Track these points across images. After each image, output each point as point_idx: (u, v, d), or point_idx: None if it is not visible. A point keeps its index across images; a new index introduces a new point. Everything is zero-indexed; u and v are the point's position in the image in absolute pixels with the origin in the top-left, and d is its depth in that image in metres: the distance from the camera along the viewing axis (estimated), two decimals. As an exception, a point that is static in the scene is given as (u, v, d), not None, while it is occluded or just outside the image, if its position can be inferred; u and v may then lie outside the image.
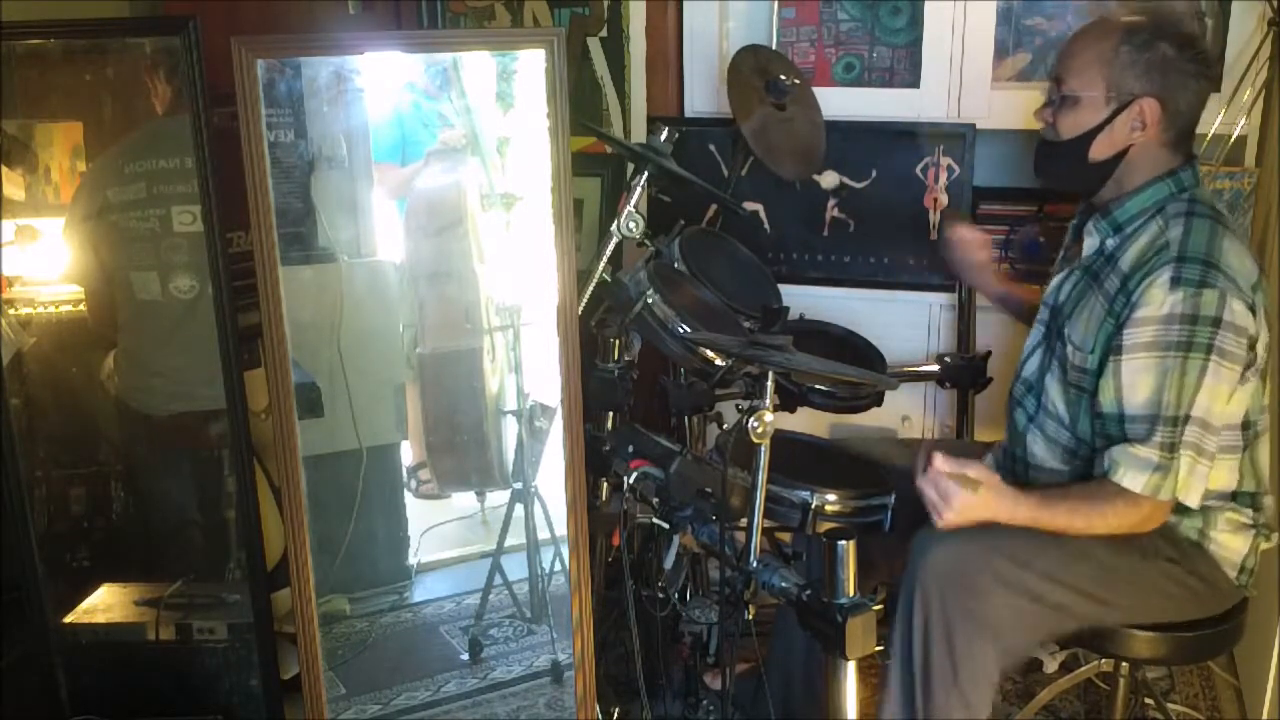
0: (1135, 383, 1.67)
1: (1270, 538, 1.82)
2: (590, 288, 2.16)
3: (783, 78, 2.42)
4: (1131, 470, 1.66)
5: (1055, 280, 1.89)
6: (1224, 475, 1.74)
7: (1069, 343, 1.79)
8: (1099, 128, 1.75)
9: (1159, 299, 1.64)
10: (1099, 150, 1.76)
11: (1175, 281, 1.64)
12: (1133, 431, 1.68)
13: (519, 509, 2.70)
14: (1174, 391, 1.64)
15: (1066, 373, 1.81)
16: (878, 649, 1.56)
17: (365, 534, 2.79)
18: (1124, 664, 1.98)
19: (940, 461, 1.65)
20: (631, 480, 1.82)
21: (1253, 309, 1.65)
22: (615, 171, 2.86)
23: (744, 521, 1.68)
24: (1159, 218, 1.73)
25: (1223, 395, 1.65)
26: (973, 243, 2.21)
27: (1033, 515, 1.68)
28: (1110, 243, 1.79)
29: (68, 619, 2.34)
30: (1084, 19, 1.82)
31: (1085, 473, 1.80)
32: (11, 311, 2.42)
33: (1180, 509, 1.75)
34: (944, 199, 2.57)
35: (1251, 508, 1.79)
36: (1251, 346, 1.66)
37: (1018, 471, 1.91)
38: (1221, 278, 1.63)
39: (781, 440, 1.66)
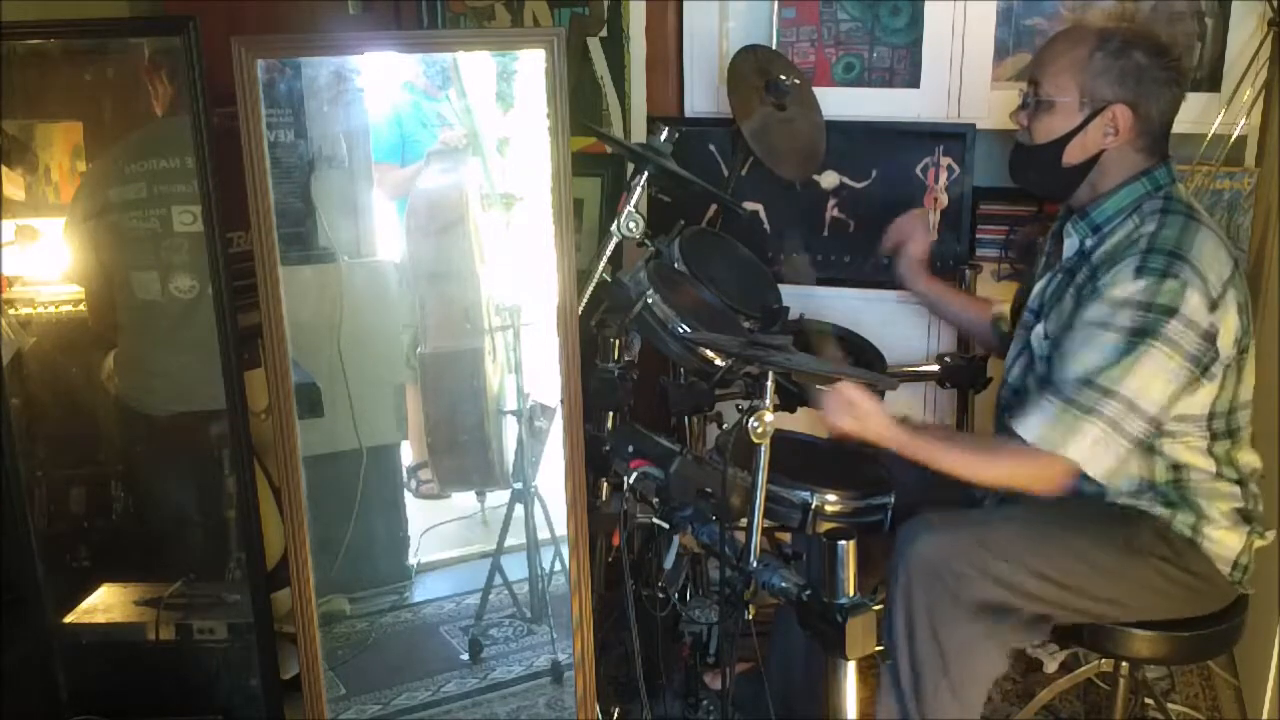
0: (1073, 351, 1.69)
1: (1265, 535, 1.82)
2: (590, 288, 2.16)
3: (783, 78, 2.42)
4: (1031, 418, 1.69)
5: (1038, 286, 1.91)
6: (1195, 458, 1.75)
7: (1045, 339, 1.81)
8: (1072, 133, 1.77)
9: (1120, 284, 1.66)
10: (1072, 155, 1.79)
11: (1139, 270, 1.66)
12: (1051, 389, 1.70)
13: (519, 509, 2.70)
14: (1104, 364, 1.65)
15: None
16: (878, 649, 1.57)
17: (365, 534, 2.79)
18: (1124, 664, 1.98)
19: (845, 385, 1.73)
20: (631, 480, 1.82)
21: (1216, 304, 1.65)
22: (615, 171, 2.85)
23: (744, 521, 1.68)
24: (1135, 216, 1.76)
25: (1159, 382, 1.65)
26: (913, 229, 2.26)
27: (921, 447, 1.73)
28: (1089, 243, 1.81)
29: (68, 619, 2.35)
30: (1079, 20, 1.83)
31: None
32: (11, 311, 2.42)
33: (1171, 504, 1.76)
34: (944, 199, 2.57)
35: (1239, 484, 1.80)
36: (1210, 341, 1.66)
37: None
38: (1187, 269, 1.64)
39: (781, 440, 1.67)
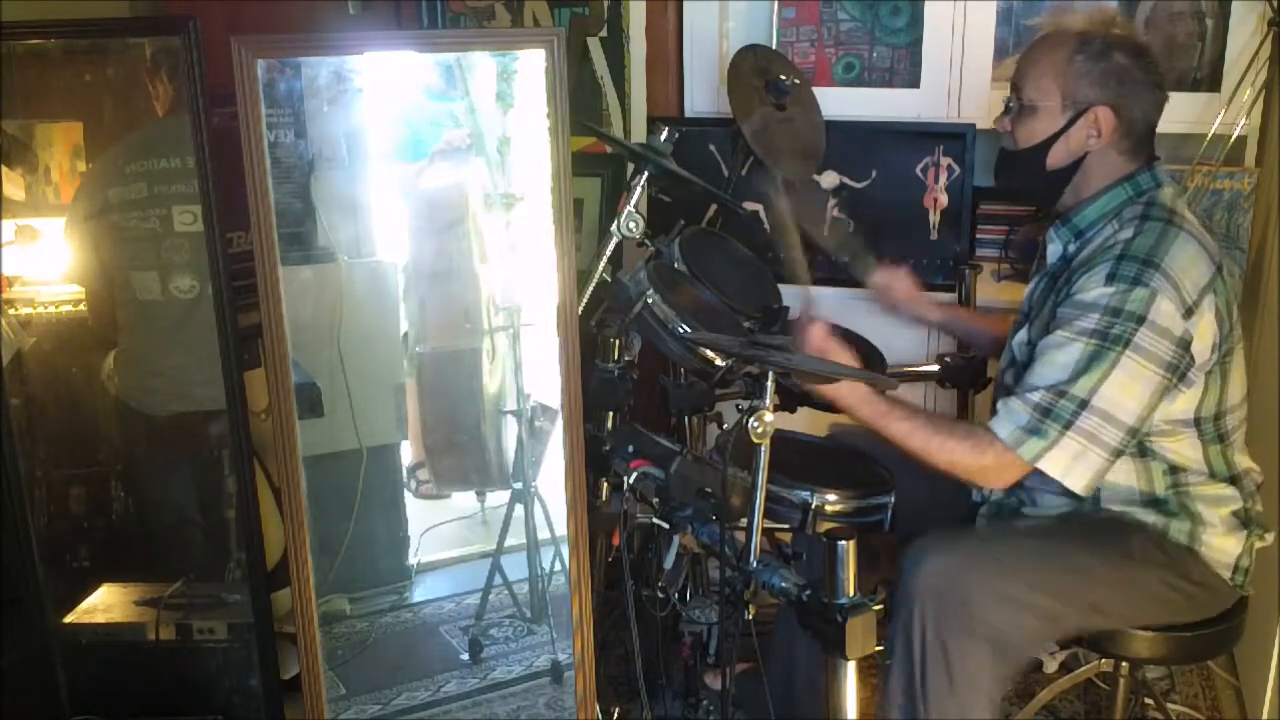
0: (1047, 354, 1.69)
1: (1264, 536, 1.82)
2: (590, 288, 2.16)
3: (783, 78, 2.42)
4: (1004, 420, 1.68)
5: (1027, 289, 1.92)
6: (1191, 458, 1.75)
7: (1027, 344, 1.82)
8: (1055, 136, 1.77)
9: (1091, 288, 1.66)
10: (1056, 158, 1.79)
11: (1110, 277, 1.66)
12: (1024, 390, 1.69)
13: (519, 509, 2.70)
14: (1077, 370, 1.65)
15: None
16: (878, 649, 1.56)
17: (365, 534, 2.79)
18: (1124, 664, 1.98)
19: (838, 346, 1.80)
20: (631, 480, 1.82)
21: (1192, 311, 1.65)
22: (615, 171, 2.85)
23: (744, 521, 1.68)
24: (1115, 221, 1.75)
25: (1134, 392, 1.64)
26: (892, 284, 2.25)
27: (879, 410, 1.75)
28: (1072, 248, 1.81)
29: (68, 619, 2.35)
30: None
31: None
32: (11, 311, 2.42)
33: (1167, 512, 1.76)
34: (944, 199, 2.57)
35: (1232, 485, 1.79)
36: (1184, 348, 1.65)
37: None
38: (1158, 278, 1.63)
39: (781, 440, 1.66)
